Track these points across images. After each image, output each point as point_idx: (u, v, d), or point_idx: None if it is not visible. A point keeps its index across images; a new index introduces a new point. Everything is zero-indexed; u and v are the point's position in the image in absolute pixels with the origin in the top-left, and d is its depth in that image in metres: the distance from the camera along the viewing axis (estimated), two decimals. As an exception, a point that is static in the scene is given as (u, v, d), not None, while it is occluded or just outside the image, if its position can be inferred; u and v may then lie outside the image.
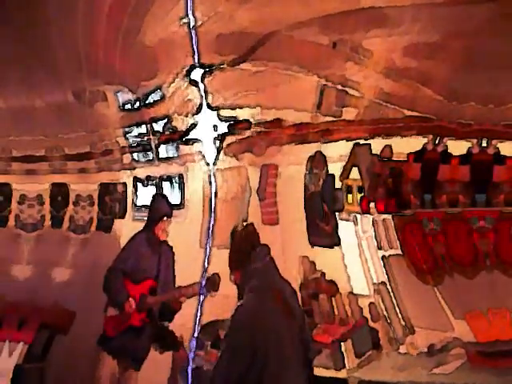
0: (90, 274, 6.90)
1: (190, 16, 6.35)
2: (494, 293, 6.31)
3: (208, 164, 6.94)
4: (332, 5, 6.25)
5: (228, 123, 6.86)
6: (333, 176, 6.87)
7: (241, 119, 6.88)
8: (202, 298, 6.49)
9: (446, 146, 6.49)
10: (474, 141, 6.42)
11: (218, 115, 6.83)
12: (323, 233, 6.95)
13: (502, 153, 6.40)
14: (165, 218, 6.48)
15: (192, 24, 6.33)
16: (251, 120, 6.87)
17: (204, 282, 6.31)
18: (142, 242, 6.45)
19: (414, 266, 6.60)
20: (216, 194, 6.90)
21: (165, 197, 6.76)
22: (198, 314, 6.61)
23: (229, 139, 6.92)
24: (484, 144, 6.39)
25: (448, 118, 6.44)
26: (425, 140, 6.52)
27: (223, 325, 6.36)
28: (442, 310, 6.43)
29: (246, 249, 4.54)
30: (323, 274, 6.97)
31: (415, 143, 6.57)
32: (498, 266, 6.38)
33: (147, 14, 6.46)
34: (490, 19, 5.96)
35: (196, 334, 6.59)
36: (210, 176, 6.93)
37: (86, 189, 7.50)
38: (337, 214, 6.94)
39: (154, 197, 6.86)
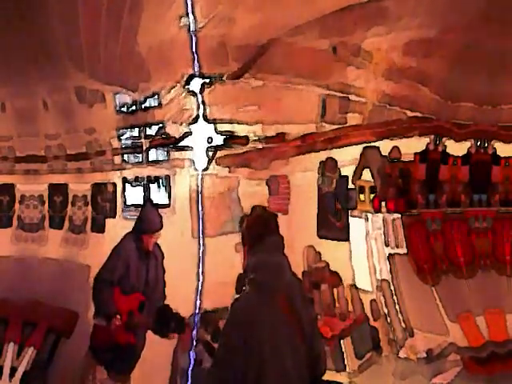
0: (88, 274, 7.17)
1: (190, 15, 6.59)
2: (490, 293, 6.74)
3: (196, 170, 7.25)
4: (332, 2, 6.53)
5: (224, 137, 7.16)
6: (346, 177, 7.33)
7: (238, 134, 7.22)
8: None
9: (445, 146, 6.94)
10: (473, 141, 6.87)
11: (215, 128, 7.14)
12: (333, 228, 7.42)
13: (497, 153, 6.85)
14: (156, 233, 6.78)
15: (192, 26, 6.57)
16: (249, 136, 7.22)
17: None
18: (131, 252, 6.70)
19: (417, 266, 7.03)
20: (202, 192, 7.23)
21: (156, 207, 7.03)
22: (198, 304, 6.95)
23: (224, 152, 7.27)
24: (482, 144, 6.83)
25: (446, 118, 6.87)
26: (427, 140, 6.95)
27: (223, 314, 6.76)
28: (439, 313, 6.85)
29: (260, 227, 4.55)
30: (327, 265, 7.42)
31: (418, 144, 6.99)
32: (495, 266, 6.81)
33: (144, 11, 6.67)
34: (488, 12, 6.27)
35: (196, 327, 6.84)
36: (197, 178, 7.25)
37: (81, 189, 7.86)
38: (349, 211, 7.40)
39: (145, 206, 7.17)
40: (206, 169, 7.24)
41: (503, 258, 6.78)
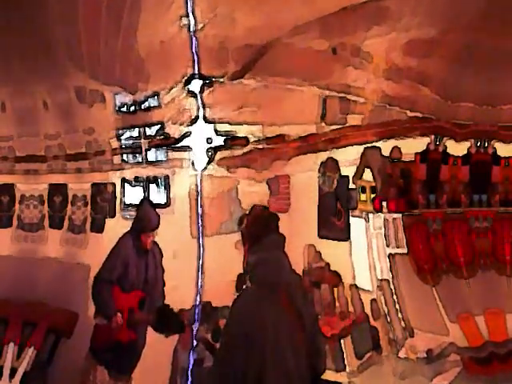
0: (88, 273, 7.20)
1: (190, 16, 6.65)
2: (490, 293, 6.79)
3: (196, 170, 7.31)
4: (332, 2, 6.58)
5: (224, 138, 7.23)
6: (347, 177, 7.39)
7: (238, 135, 7.28)
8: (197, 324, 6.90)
9: (446, 146, 7.00)
10: (473, 141, 6.93)
11: (214, 129, 7.21)
12: (334, 227, 7.47)
13: (497, 153, 6.91)
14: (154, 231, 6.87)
15: (192, 26, 6.62)
16: (249, 137, 7.28)
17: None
18: (129, 250, 6.80)
19: (417, 266, 7.08)
20: (201, 192, 7.30)
21: (153, 206, 7.14)
22: (198, 303, 6.99)
23: (224, 153, 7.31)
24: (482, 144, 6.88)
25: (446, 118, 6.92)
26: (428, 140, 7.00)
27: (223, 313, 6.80)
28: (439, 313, 6.90)
29: (260, 226, 4.59)
30: (328, 264, 7.46)
31: (419, 144, 7.04)
32: (495, 266, 6.87)
33: (143, 12, 6.73)
34: (488, 12, 6.33)
35: (196, 324, 6.90)
36: (197, 178, 7.31)
37: (80, 189, 7.90)
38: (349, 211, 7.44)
39: (142, 204, 7.26)
40: (206, 169, 7.29)
41: (503, 258, 6.83)
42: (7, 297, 7.29)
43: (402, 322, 7.05)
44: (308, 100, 7.21)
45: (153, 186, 7.70)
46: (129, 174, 7.73)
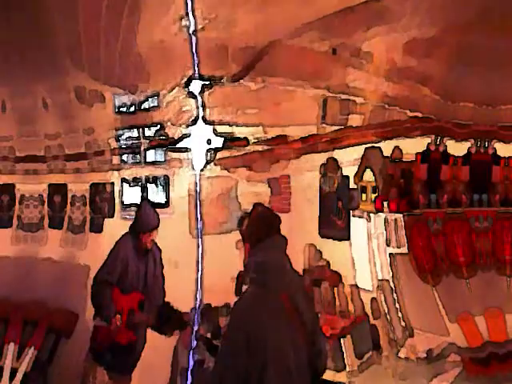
0: (88, 273, 7.21)
1: (190, 16, 6.69)
2: (490, 293, 6.81)
3: (195, 170, 7.37)
4: (332, 3, 6.63)
5: (223, 139, 7.28)
6: (347, 177, 7.44)
7: (238, 136, 7.34)
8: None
9: (446, 146, 7.03)
10: (473, 141, 6.96)
11: (214, 130, 7.26)
12: (335, 227, 7.54)
13: (497, 153, 6.93)
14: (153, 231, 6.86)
15: (192, 27, 6.67)
16: (249, 138, 7.34)
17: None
18: (129, 251, 6.74)
19: (418, 265, 7.11)
20: (201, 192, 7.35)
21: (153, 205, 7.10)
22: (198, 302, 7.07)
23: (224, 154, 7.37)
24: (482, 144, 6.90)
25: (446, 118, 6.95)
26: (428, 140, 7.02)
27: (222, 311, 6.87)
28: (439, 313, 6.92)
29: (262, 226, 4.55)
30: (328, 263, 7.54)
31: (419, 144, 7.07)
32: (495, 266, 6.88)
33: (144, 12, 6.80)
34: (487, 12, 6.35)
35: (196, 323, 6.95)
36: (196, 178, 7.37)
37: (80, 189, 7.99)
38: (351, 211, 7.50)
39: (141, 204, 7.24)
40: (205, 169, 7.34)
41: (503, 258, 6.85)
42: (7, 297, 7.36)
43: (402, 322, 7.08)
44: (308, 101, 7.26)
45: (152, 187, 7.77)
46: (128, 174, 7.80)
